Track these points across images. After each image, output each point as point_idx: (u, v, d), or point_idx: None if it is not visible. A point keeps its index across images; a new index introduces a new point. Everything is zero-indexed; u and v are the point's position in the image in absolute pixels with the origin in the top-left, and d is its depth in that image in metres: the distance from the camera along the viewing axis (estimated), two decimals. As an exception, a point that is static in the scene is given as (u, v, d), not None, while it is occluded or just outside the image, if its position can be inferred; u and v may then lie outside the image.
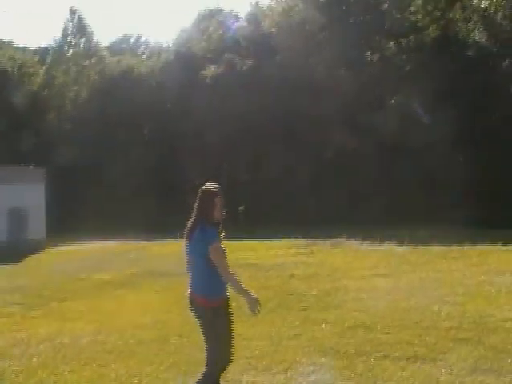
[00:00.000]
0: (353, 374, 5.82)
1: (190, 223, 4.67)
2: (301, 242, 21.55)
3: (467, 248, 16.01)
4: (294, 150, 30.99)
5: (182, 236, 4.75)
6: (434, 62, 28.18)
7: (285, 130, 31.26)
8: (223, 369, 4.71)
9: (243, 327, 6.82)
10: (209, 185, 4.74)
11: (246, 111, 31.02)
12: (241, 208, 34.18)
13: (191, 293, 4.69)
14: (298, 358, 6.39)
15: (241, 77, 33.16)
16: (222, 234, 4.67)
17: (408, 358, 6.21)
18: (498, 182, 25.44)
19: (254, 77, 32.54)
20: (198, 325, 4.69)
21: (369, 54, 31.71)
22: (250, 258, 17.54)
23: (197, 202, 4.68)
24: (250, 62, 34.27)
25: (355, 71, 30.08)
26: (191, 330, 6.42)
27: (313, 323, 8.06)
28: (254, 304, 4.48)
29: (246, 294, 4.52)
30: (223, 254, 4.57)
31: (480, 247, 15.66)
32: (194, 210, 4.68)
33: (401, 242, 18.54)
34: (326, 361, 6.28)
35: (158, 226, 28.15)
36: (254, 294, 4.52)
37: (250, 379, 5.86)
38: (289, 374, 5.97)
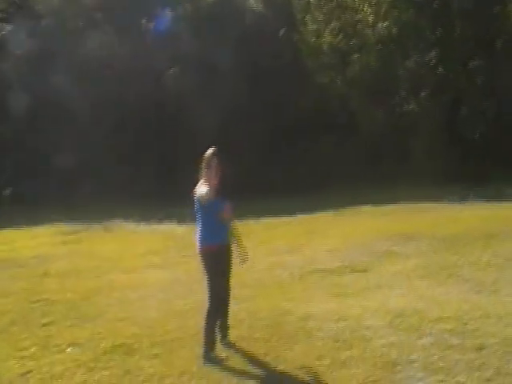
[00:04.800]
0: None
1: None
2: (71, 227, 18.78)
3: (252, 221, 14.82)
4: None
5: None
6: (210, 31, 26.83)
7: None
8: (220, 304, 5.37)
9: None
10: None
11: None
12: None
13: None
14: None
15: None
16: None
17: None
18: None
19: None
20: None
21: (144, 21, 29.37)
22: (4, 250, 14.44)
23: None
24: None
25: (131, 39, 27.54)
26: None
27: (55, 348, 5.73)
28: None
29: None
30: None
31: (265, 220, 14.53)
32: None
33: (182, 221, 16.84)
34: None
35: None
36: None
37: None
38: None
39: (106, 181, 25.66)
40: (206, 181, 5.26)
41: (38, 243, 15.66)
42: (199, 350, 5.31)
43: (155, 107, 26.61)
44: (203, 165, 5.32)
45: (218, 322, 5.49)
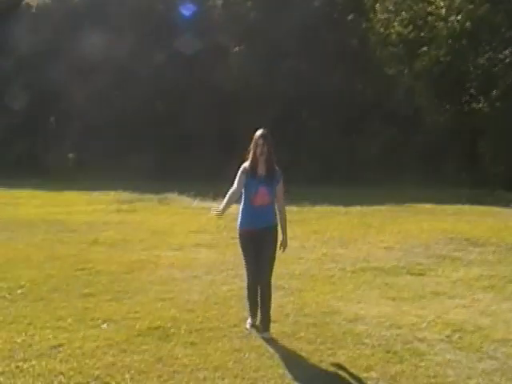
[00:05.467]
0: None
1: None
2: (127, 196, 18.88)
3: (307, 208, 14.42)
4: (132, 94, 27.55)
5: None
6: (279, 14, 26.28)
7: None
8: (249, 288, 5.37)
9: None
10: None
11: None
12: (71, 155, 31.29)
13: None
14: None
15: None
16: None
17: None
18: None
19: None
20: None
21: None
22: (61, 213, 14.60)
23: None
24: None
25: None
26: None
27: (91, 322, 5.52)
28: None
29: None
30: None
31: (319, 208, 14.08)
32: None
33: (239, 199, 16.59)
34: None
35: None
36: None
37: None
38: None
39: (168, 155, 25.90)
40: (249, 159, 5.23)
41: (94, 209, 15.78)
42: (238, 343, 5.00)
43: (218, 86, 26.39)
44: (251, 145, 5.23)
45: (257, 312, 5.37)
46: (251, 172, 5.18)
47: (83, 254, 8.89)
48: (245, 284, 5.48)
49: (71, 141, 28.91)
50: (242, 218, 5.33)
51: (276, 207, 5.34)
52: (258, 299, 5.32)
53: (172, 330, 5.27)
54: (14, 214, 14.00)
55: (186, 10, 28.01)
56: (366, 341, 5.04)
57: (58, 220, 13.07)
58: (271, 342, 5.04)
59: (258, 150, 5.14)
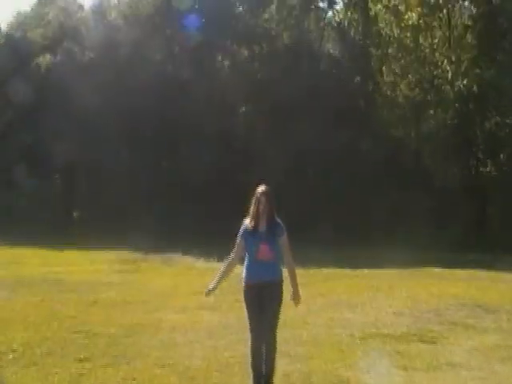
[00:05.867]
0: None
1: None
2: (131, 255, 18.62)
3: (313, 271, 14.08)
4: (139, 150, 27.71)
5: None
6: (287, 72, 26.73)
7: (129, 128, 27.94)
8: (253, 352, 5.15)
9: None
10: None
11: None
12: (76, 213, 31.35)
13: None
14: None
15: (80, 68, 29.37)
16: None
17: None
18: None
19: (94, 69, 28.94)
20: None
21: (219, 58, 29.73)
22: (62, 272, 14.34)
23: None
24: (91, 54, 30.64)
25: (205, 73, 27.81)
26: None
27: (85, 391, 5.21)
28: None
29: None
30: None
31: (326, 271, 13.76)
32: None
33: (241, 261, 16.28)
34: None
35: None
36: None
37: None
38: None
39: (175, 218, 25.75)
40: (250, 216, 5.24)
41: (95, 269, 15.49)
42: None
43: (226, 145, 26.57)
44: (252, 201, 5.24)
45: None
46: (252, 229, 5.19)
47: (81, 316, 8.59)
48: (248, 350, 5.25)
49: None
50: (246, 273, 5.28)
51: (284, 262, 5.27)
52: (263, 369, 5.05)
53: (171, 401, 4.95)
54: (15, 273, 13.76)
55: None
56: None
57: (58, 279, 12.82)
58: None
59: (261, 208, 5.15)
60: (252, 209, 5.22)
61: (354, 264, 15.14)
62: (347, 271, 14.41)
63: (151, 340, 7.15)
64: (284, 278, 5.29)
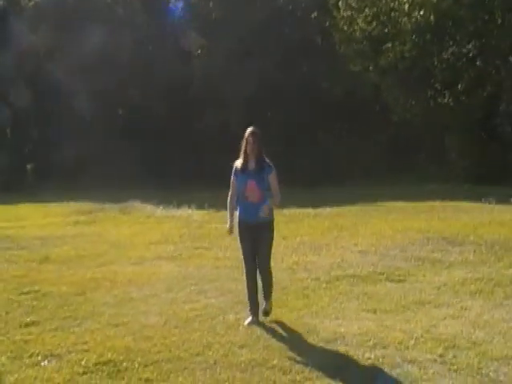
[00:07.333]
0: None
1: None
2: (87, 207, 17.96)
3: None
4: (94, 101, 26.62)
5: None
6: (240, 9, 25.70)
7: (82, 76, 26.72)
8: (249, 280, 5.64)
9: None
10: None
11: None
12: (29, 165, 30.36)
13: None
14: None
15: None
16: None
17: None
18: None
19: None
20: None
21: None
22: (12, 227, 13.67)
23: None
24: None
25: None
26: None
27: (29, 360, 4.72)
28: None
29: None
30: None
31: (288, 212, 13.41)
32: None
33: (201, 207, 15.85)
34: None
35: None
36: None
37: None
38: None
39: (132, 161, 25.05)
40: (241, 155, 5.51)
41: (49, 222, 14.89)
42: (201, 376, 4.30)
43: (183, 88, 25.77)
44: (242, 141, 5.49)
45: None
46: (242, 168, 5.50)
47: (30, 275, 8.05)
48: (244, 285, 5.69)
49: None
50: (239, 210, 5.62)
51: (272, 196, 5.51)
52: (258, 296, 5.57)
53: (124, 364, 4.52)
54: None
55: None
56: (349, 366, 4.38)
57: (8, 235, 12.18)
58: (239, 373, 4.34)
59: (249, 148, 5.42)
60: (242, 150, 5.49)
61: (317, 203, 14.86)
62: (309, 211, 14.12)
63: (105, 297, 6.69)
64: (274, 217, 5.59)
